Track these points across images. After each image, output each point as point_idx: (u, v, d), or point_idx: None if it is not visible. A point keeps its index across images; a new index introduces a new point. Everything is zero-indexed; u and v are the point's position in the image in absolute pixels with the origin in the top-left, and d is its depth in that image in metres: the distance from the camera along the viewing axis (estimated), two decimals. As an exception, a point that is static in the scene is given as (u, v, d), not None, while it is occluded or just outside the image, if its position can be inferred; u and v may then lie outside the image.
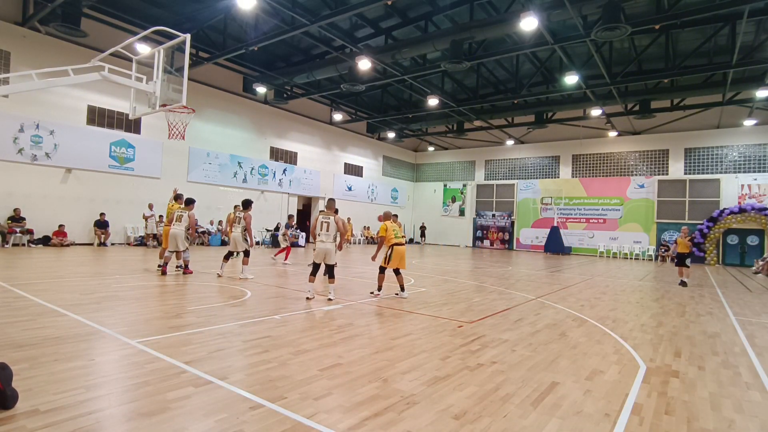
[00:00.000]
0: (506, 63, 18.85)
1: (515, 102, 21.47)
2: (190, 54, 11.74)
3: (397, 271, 8.03)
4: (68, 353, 3.99)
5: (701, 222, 22.43)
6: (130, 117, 7.63)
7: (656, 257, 23.69)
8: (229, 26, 16.03)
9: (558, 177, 27.81)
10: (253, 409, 3.01)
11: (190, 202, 10.03)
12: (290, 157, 24.23)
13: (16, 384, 2.96)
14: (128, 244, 17.02)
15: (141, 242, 17.11)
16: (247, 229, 9.66)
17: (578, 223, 26.59)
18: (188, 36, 6.42)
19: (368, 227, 28.88)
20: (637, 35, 15.01)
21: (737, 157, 22.32)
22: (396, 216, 8.80)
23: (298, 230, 21.01)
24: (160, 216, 16.37)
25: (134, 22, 15.33)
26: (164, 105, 6.64)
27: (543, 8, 11.80)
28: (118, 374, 3.56)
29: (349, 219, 24.84)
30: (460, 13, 14.54)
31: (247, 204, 9.85)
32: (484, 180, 31.03)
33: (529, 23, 11.92)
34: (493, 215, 29.85)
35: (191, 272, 9.81)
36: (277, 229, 20.59)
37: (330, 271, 7.35)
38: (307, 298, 7.26)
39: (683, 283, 11.77)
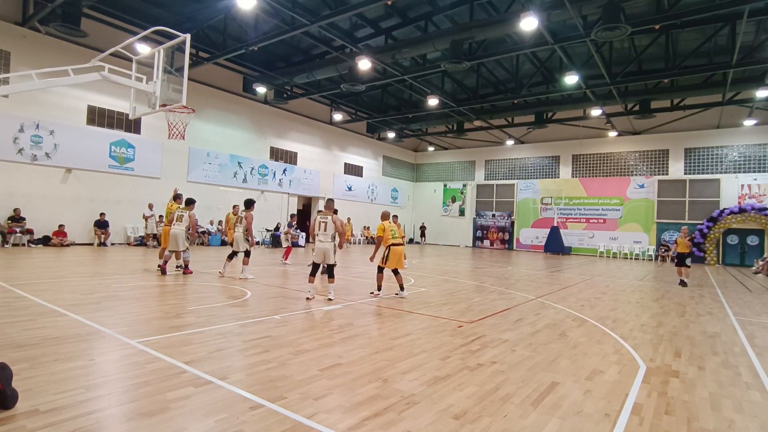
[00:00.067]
0: (506, 63, 18.85)
1: (515, 102, 21.47)
2: (190, 54, 11.74)
3: (395, 271, 8.04)
4: (68, 353, 3.99)
5: (701, 222, 22.44)
6: (130, 117, 7.63)
7: (656, 257, 23.69)
8: (229, 26, 16.04)
9: (558, 177, 27.81)
10: (253, 409, 3.01)
11: (190, 202, 10.03)
12: (290, 157, 24.24)
13: (16, 384, 2.96)
14: (128, 244, 17.02)
15: (141, 242, 17.12)
16: (247, 229, 9.66)
17: (578, 223, 26.59)
18: (188, 36, 6.42)
19: (368, 227, 28.87)
20: (637, 35, 15.01)
21: (737, 157, 22.32)
22: (396, 217, 8.81)
23: (298, 230, 21.02)
24: (160, 216, 16.36)
25: (134, 22, 15.33)
26: (164, 105, 6.64)
27: (543, 8, 11.80)
28: (118, 374, 3.56)
29: (349, 219, 24.85)
30: (460, 13, 14.54)
31: (249, 204, 9.84)
32: (484, 180, 31.03)
33: (529, 23, 11.92)
34: (493, 215, 29.85)
35: (191, 272, 9.81)
36: (277, 229, 20.59)
37: (330, 270, 7.36)
38: (307, 298, 7.26)
39: (683, 283, 11.77)
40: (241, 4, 12.26)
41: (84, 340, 4.43)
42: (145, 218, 16.72)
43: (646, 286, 11.71)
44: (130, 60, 6.77)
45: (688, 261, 11.92)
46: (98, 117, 16.27)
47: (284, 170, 23.64)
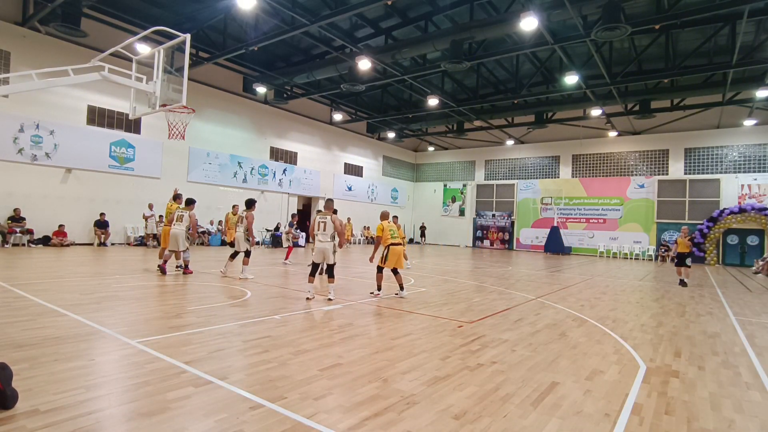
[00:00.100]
0: (506, 63, 18.85)
1: (515, 102, 21.47)
2: (190, 54, 11.74)
3: (395, 271, 8.04)
4: (68, 353, 3.99)
5: (701, 222, 22.44)
6: (130, 117, 7.63)
7: (656, 257, 23.69)
8: (229, 26, 16.04)
9: (558, 177, 27.81)
10: (253, 409, 3.01)
11: (190, 202, 10.02)
12: (290, 157, 24.23)
13: (16, 384, 2.96)
14: (128, 244, 17.02)
15: (141, 242, 17.11)
16: (248, 229, 9.66)
17: (578, 223, 26.59)
18: (188, 36, 6.42)
19: (368, 227, 28.87)
20: (637, 35, 15.01)
21: (737, 157, 22.32)
22: (396, 217, 8.80)
23: (298, 230, 21.01)
24: (160, 216, 16.36)
25: (134, 22, 15.33)
26: (164, 105, 6.64)
27: (543, 8, 11.80)
28: (118, 374, 3.56)
29: (349, 219, 24.85)
30: (460, 13, 14.54)
31: (250, 203, 9.83)
32: (484, 180, 31.03)
33: (529, 23, 11.92)
34: (493, 215, 29.85)
35: (191, 272, 9.81)
36: (277, 229, 20.59)
37: (330, 270, 7.36)
38: (307, 298, 7.26)
39: (683, 283, 11.77)
40: (241, 4, 12.26)
41: (84, 340, 4.43)
42: (145, 218, 16.72)
43: (646, 286, 11.71)
44: (130, 60, 6.78)
45: (688, 261, 11.92)
46: (98, 117, 16.27)
47: (284, 170, 23.64)
